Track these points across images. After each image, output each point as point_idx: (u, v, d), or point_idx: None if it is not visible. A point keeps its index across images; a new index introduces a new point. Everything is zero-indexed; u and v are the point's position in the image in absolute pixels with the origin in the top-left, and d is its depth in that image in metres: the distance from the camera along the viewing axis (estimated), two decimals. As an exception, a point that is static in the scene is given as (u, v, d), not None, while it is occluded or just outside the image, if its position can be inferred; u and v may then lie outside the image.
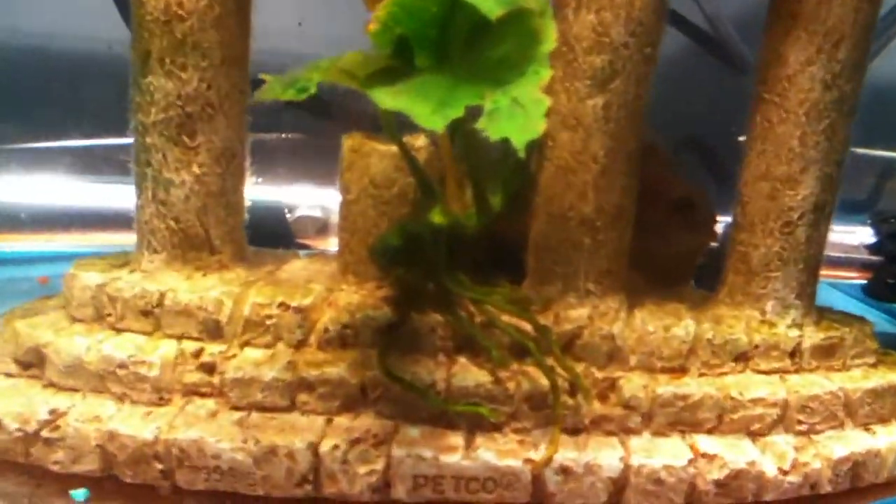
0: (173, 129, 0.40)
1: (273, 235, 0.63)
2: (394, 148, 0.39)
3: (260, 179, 0.66)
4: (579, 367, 0.40)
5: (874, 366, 0.44)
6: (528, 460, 0.38)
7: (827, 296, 0.70)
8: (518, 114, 0.30)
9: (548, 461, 0.38)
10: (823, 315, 0.45)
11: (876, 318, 0.68)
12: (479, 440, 0.38)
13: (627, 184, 0.42)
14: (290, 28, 0.81)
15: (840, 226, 0.64)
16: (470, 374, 0.39)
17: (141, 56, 0.40)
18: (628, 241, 0.43)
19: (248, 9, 0.41)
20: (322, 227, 0.66)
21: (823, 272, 0.64)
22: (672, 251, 0.48)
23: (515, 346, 0.40)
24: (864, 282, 0.63)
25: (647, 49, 0.40)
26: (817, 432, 0.42)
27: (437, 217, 0.41)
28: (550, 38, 0.32)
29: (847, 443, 0.41)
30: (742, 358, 0.42)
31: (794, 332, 0.42)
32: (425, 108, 0.30)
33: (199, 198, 0.41)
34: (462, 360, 0.40)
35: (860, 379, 0.43)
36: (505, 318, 0.40)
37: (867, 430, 0.43)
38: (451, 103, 0.31)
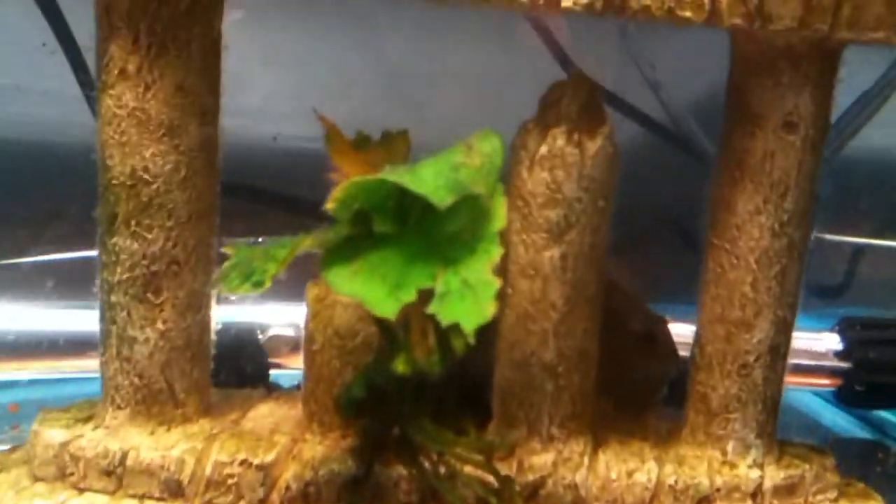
0: (138, 287, 0.41)
1: (246, 357, 0.64)
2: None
3: (233, 297, 0.66)
4: (544, 517, 0.40)
5: (836, 500, 0.45)
6: None
7: (809, 402, 0.71)
8: (468, 296, 0.31)
9: None
10: (785, 451, 0.45)
11: (849, 423, 0.68)
12: None
13: (588, 327, 0.42)
14: (266, 141, 0.83)
15: (809, 332, 0.65)
16: (433, 529, 0.39)
17: (108, 218, 0.40)
18: (592, 382, 0.43)
19: (215, 163, 0.42)
20: (295, 346, 0.66)
21: (798, 379, 0.66)
22: (637, 378, 0.48)
23: (481, 497, 0.40)
24: (835, 389, 0.63)
25: (600, 202, 0.41)
26: (782, 575, 0.42)
27: (400, 365, 0.42)
28: (501, 217, 0.34)
29: (811, 584, 0.42)
30: (704, 501, 0.42)
31: (755, 473, 0.43)
32: (379, 293, 0.31)
33: (163, 353, 0.41)
34: (427, 512, 0.40)
35: (822, 516, 0.43)
36: (468, 468, 0.41)
37: (832, 568, 0.43)
38: (404, 286, 0.31)
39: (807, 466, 0.44)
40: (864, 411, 0.66)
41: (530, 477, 0.41)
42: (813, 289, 0.90)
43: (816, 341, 0.64)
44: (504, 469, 0.41)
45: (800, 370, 0.63)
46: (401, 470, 0.40)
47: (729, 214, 0.42)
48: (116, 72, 0.39)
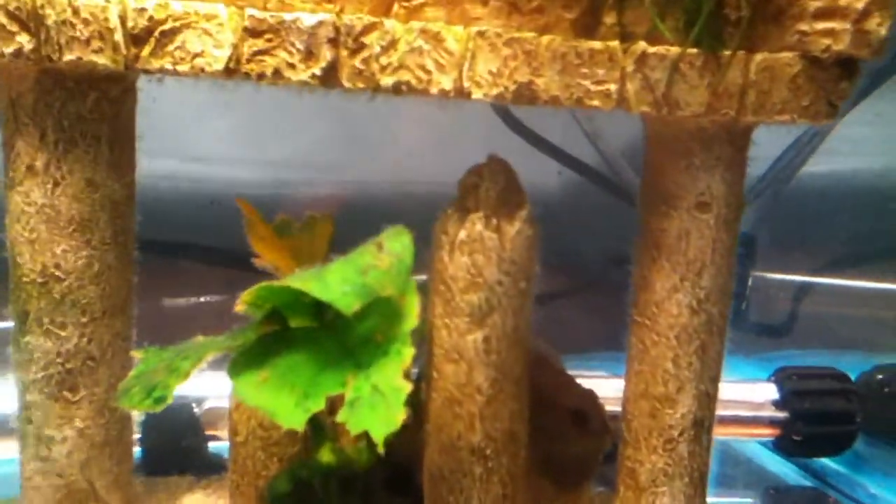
0: (54, 386, 0.40)
1: (180, 431, 0.62)
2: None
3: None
4: None
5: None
6: None
7: (754, 451, 0.72)
8: (378, 403, 0.31)
9: None
10: (713, 522, 0.46)
11: (789, 471, 0.69)
12: None
13: (515, 409, 0.42)
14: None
15: (749, 383, 0.66)
16: None
17: (19, 316, 0.40)
18: (522, 463, 0.43)
19: (129, 259, 0.42)
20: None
21: (740, 430, 0.66)
22: (571, 454, 0.48)
23: (408, 586, 0.40)
24: (774, 438, 0.64)
25: (522, 283, 0.41)
26: None
27: (325, 456, 0.41)
28: (413, 316, 0.34)
29: None
30: (635, 580, 0.42)
31: (685, 548, 0.43)
32: (288, 404, 0.31)
33: (82, 452, 0.40)
34: None
35: (753, 587, 0.44)
36: (397, 557, 0.40)
37: None
38: (314, 394, 0.31)
39: (736, 537, 0.45)
40: (803, 460, 0.67)
41: (459, 565, 0.41)
42: (756, 329, 0.92)
43: (756, 392, 0.64)
44: (433, 557, 0.41)
45: (741, 421, 0.64)
46: (328, 563, 0.40)
47: (649, 293, 0.43)
48: (24, 168, 0.38)
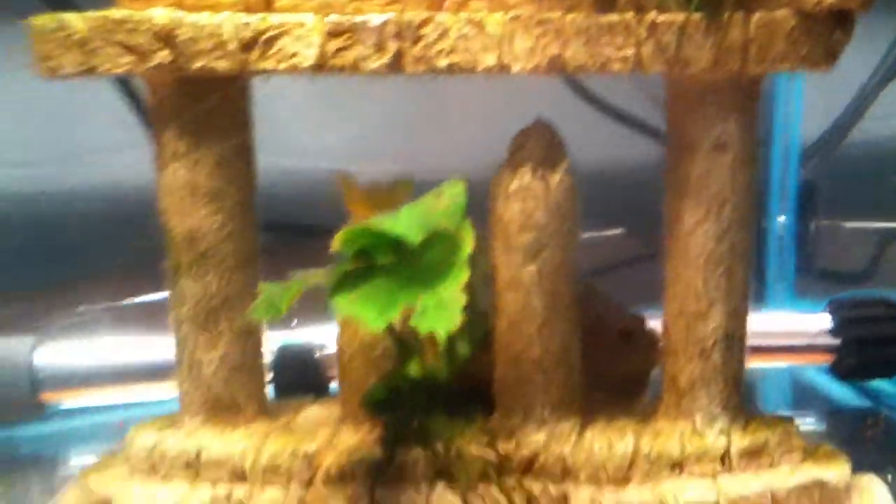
0: (201, 320, 0.51)
1: (306, 372, 0.74)
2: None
3: (295, 322, 0.77)
4: (538, 485, 0.49)
5: (801, 461, 0.52)
6: (495, 569, 0.46)
7: (816, 377, 0.77)
8: (440, 311, 0.40)
9: (511, 569, 0.46)
10: (751, 421, 0.52)
11: (847, 394, 0.74)
12: (456, 555, 0.47)
13: (568, 329, 0.51)
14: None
15: (803, 314, 0.71)
16: (445, 499, 0.48)
17: (173, 268, 0.51)
18: (577, 373, 0.51)
19: (253, 223, 0.52)
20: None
21: (796, 358, 0.72)
22: (622, 371, 0.56)
23: (484, 472, 0.49)
24: (829, 364, 0.69)
25: (567, 225, 0.49)
26: (750, 527, 0.49)
27: (413, 370, 0.51)
28: (468, 245, 0.42)
29: (778, 535, 0.49)
30: (677, 466, 0.50)
31: (722, 440, 0.50)
32: (371, 313, 0.40)
33: (224, 371, 0.52)
34: (440, 486, 0.49)
35: (786, 476, 0.50)
36: (473, 448, 0.50)
37: (800, 521, 0.50)
38: (392, 307, 0.41)
39: (770, 433, 0.51)
40: (858, 382, 0.71)
41: (525, 453, 0.50)
42: (824, 275, 0.95)
43: (811, 322, 0.70)
44: (503, 449, 0.50)
45: (798, 349, 0.69)
46: (418, 453, 0.50)
47: (679, 225, 0.50)
48: (170, 154, 0.50)
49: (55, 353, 0.74)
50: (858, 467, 0.53)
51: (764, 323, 0.71)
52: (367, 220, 0.43)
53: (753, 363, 0.69)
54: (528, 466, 0.50)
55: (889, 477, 0.61)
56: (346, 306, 0.41)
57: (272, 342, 0.75)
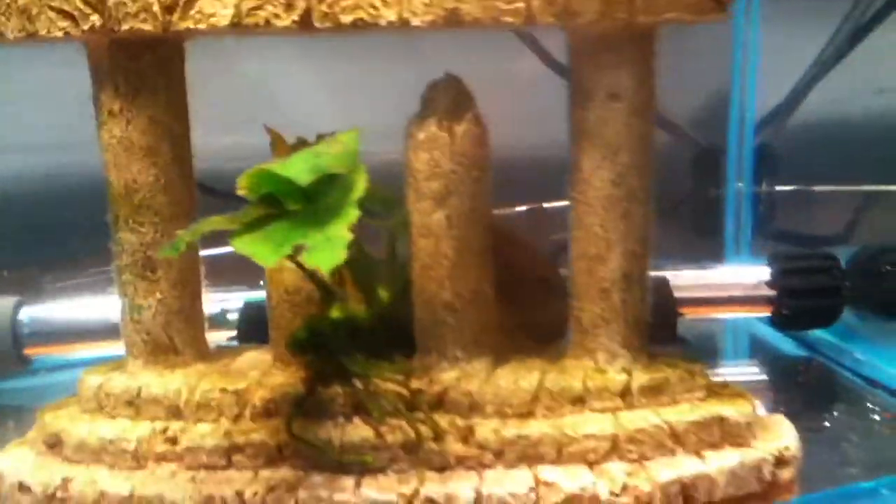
0: (139, 268, 0.55)
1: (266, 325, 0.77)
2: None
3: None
4: (447, 419, 0.52)
5: (704, 399, 0.54)
6: (401, 494, 0.49)
7: (760, 329, 0.79)
8: (327, 248, 0.43)
9: (415, 493, 0.49)
10: (655, 361, 0.55)
11: (787, 342, 0.76)
12: (366, 480, 0.50)
13: (479, 272, 0.53)
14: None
15: (744, 266, 0.73)
16: (359, 431, 0.52)
17: (113, 220, 0.55)
18: (490, 316, 0.54)
19: (190, 174, 0.56)
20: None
21: (737, 309, 0.74)
22: (543, 317, 0.59)
23: (397, 407, 0.52)
24: (768, 315, 0.71)
25: (475, 172, 0.52)
26: (648, 459, 0.51)
27: (334, 313, 0.55)
28: (360, 188, 0.46)
29: (676, 467, 0.51)
30: (579, 401, 0.52)
31: (622, 377, 0.53)
32: (265, 250, 0.44)
33: (163, 316, 0.56)
34: (356, 420, 0.52)
35: (686, 412, 0.52)
36: (389, 385, 0.53)
37: (698, 455, 0.52)
38: (284, 245, 0.44)
39: (671, 371, 0.53)
40: (799, 333, 0.73)
41: (437, 389, 0.53)
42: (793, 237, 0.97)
43: (751, 274, 0.72)
44: (417, 385, 0.53)
45: (738, 301, 0.71)
46: (338, 389, 0.53)
47: (579, 171, 0.52)
48: (107, 112, 0.54)
49: (41, 311, 0.79)
50: (795, 411, 0.55)
51: (711, 277, 0.73)
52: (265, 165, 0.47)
53: (703, 314, 0.72)
54: (439, 402, 0.53)
55: (825, 422, 0.63)
56: (242, 245, 0.44)
57: (239, 299, 0.79)
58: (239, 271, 0.73)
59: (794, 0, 0.94)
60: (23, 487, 0.53)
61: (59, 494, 0.52)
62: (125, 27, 0.50)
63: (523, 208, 0.97)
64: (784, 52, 0.92)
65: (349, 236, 0.44)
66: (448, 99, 0.52)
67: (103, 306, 0.82)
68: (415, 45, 0.92)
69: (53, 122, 1.02)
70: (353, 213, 0.45)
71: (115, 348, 0.80)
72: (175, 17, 0.50)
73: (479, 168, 0.53)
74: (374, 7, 0.49)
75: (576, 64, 0.52)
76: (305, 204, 0.47)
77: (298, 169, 0.45)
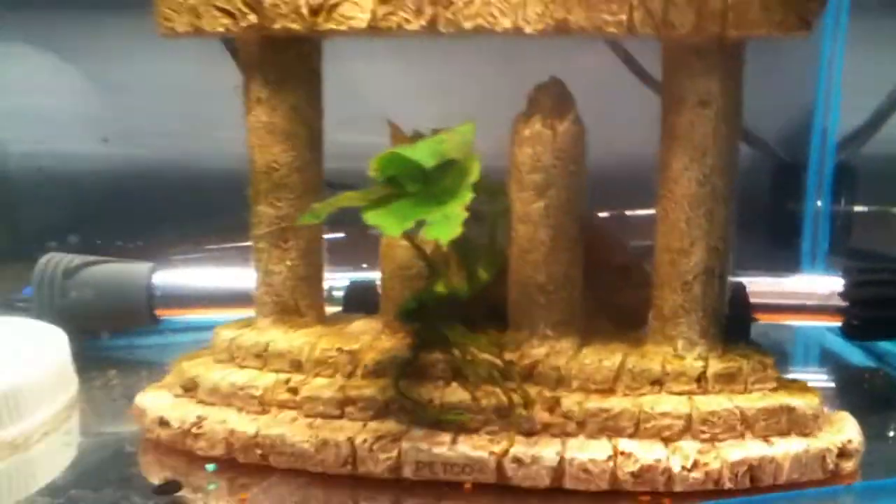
0: (274, 238, 0.63)
1: (367, 300, 0.84)
2: (412, 243, 0.60)
3: (365, 265, 0.88)
4: (536, 389, 0.58)
5: (773, 390, 0.58)
6: (492, 452, 0.55)
7: (830, 338, 0.82)
8: (445, 224, 0.50)
9: (505, 453, 0.55)
10: (729, 351, 0.59)
11: (856, 352, 0.78)
12: (461, 438, 0.56)
13: (570, 258, 0.59)
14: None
15: (817, 276, 0.76)
16: (457, 394, 0.58)
17: (254, 195, 0.63)
18: (578, 299, 0.60)
19: (320, 158, 0.64)
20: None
21: (808, 318, 0.77)
22: (622, 304, 0.64)
23: (491, 374, 0.58)
24: (840, 325, 0.74)
25: (572, 167, 0.58)
26: (719, 440, 0.56)
27: (439, 288, 0.61)
28: (475, 173, 0.52)
29: (745, 449, 0.55)
30: (657, 383, 0.57)
31: (699, 363, 0.57)
32: (392, 223, 0.51)
33: (291, 281, 0.64)
34: (454, 384, 0.59)
35: (757, 399, 0.57)
36: (484, 355, 0.59)
37: (766, 440, 0.56)
38: (408, 219, 0.51)
39: (745, 361, 0.58)
40: (867, 343, 0.75)
41: (527, 362, 0.58)
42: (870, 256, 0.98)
43: (824, 284, 0.75)
44: (509, 357, 0.59)
45: (809, 309, 0.74)
46: (439, 356, 0.59)
47: (667, 171, 0.57)
48: (255, 100, 0.62)
49: (171, 277, 0.89)
50: (859, 417, 0.58)
51: (786, 285, 0.77)
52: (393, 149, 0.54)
53: (776, 321, 0.75)
54: (529, 374, 0.58)
55: (890, 430, 0.66)
56: (372, 217, 0.51)
57: (345, 278, 0.87)
58: (345, 255, 0.81)
59: (882, 20, 0.96)
60: (163, 422, 0.62)
61: (193, 430, 0.60)
62: (277, 26, 0.58)
63: (605, 214, 1.02)
64: (869, 73, 0.94)
65: (465, 214, 0.50)
66: (552, 99, 0.58)
67: (222, 277, 0.90)
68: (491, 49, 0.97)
69: (187, 112, 1.13)
70: (468, 195, 0.51)
71: (229, 314, 0.90)
72: (320, 18, 0.58)
73: (576, 163, 0.58)
74: (493, 16, 0.55)
75: (669, 72, 0.57)
76: (424, 186, 0.54)
77: (424, 153, 0.52)
